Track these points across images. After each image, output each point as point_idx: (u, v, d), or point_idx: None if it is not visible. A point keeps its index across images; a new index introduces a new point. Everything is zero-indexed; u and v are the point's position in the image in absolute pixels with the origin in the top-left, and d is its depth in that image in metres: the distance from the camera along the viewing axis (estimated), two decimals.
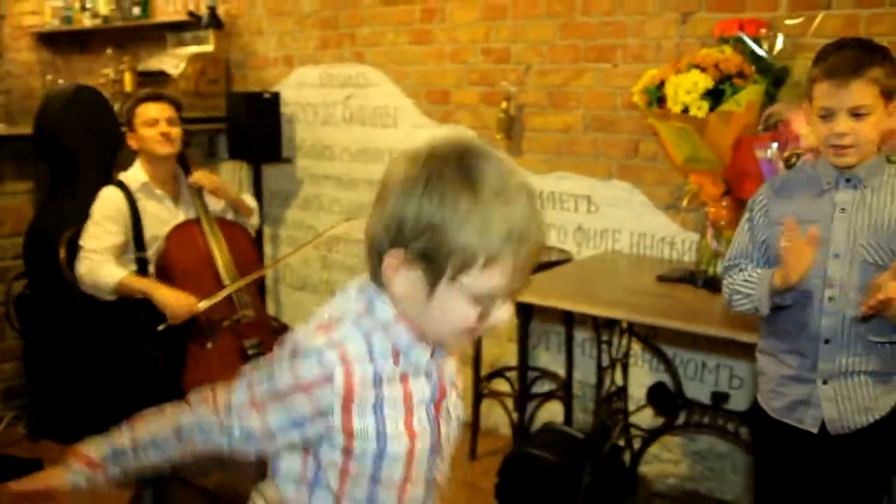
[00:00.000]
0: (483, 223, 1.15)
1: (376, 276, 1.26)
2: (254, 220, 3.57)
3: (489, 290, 1.20)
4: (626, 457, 3.39)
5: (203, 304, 3.09)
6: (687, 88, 2.77)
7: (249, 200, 3.57)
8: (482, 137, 3.87)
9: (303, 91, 4.68)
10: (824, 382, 2.08)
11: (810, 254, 1.97)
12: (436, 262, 1.18)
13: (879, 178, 2.06)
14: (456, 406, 1.41)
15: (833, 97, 1.97)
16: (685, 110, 2.78)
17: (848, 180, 2.06)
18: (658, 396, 3.35)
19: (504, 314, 1.24)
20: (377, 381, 1.27)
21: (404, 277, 1.22)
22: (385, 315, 1.27)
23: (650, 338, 3.43)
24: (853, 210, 2.05)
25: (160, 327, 3.02)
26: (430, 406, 1.34)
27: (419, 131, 4.17)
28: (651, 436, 3.35)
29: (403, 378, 1.30)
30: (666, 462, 3.57)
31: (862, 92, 1.95)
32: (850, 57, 1.96)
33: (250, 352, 3.10)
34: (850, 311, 2.03)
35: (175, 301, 3.04)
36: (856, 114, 1.96)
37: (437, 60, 4.06)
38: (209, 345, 3.15)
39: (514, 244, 1.17)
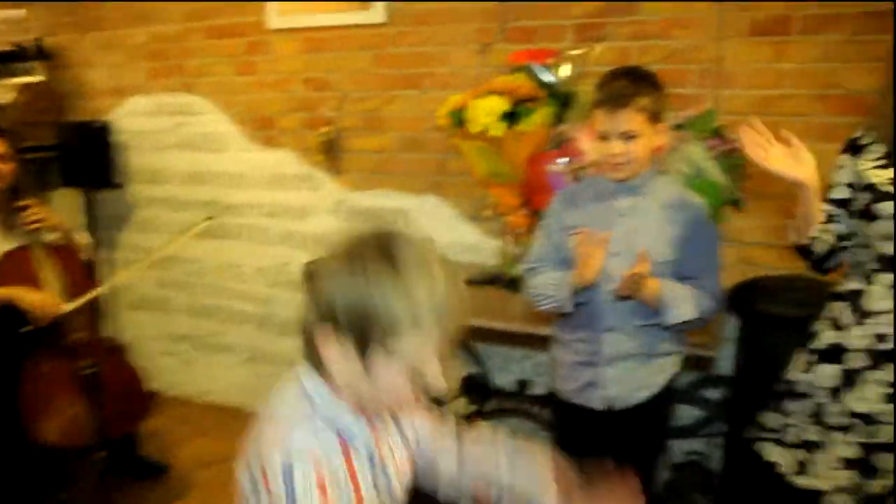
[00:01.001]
0: (405, 290, 1.14)
1: (312, 357, 1.24)
2: (84, 255, 3.31)
3: (418, 356, 1.17)
4: None
5: (68, 306, 2.87)
6: (486, 111, 2.79)
7: (81, 237, 3.31)
8: (304, 159, 3.79)
9: (135, 120, 4.42)
10: (608, 366, 2.13)
11: (600, 255, 2.01)
12: (363, 329, 1.15)
13: (650, 188, 2.13)
14: (396, 464, 1.40)
15: (608, 123, 2.02)
16: (485, 131, 2.80)
17: (626, 190, 2.12)
18: (470, 387, 3.37)
19: (439, 382, 1.21)
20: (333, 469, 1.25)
21: (337, 350, 1.19)
22: (325, 402, 1.25)
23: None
24: (630, 215, 2.11)
25: (24, 329, 2.79)
26: (368, 473, 1.33)
27: (246, 155, 4.05)
28: (465, 421, 3.32)
29: (347, 458, 1.29)
30: None
31: (631, 119, 2.00)
32: (621, 88, 2.01)
33: (83, 373, 2.86)
34: (631, 302, 2.09)
35: (42, 302, 2.82)
36: (628, 136, 2.02)
37: (262, 90, 3.94)
38: (43, 366, 2.91)
39: (437, 311, 1.15)
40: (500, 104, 2.79)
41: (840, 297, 1.99)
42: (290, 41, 3.81)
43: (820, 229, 1.92)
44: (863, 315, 1.89)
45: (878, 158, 1.91)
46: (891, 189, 1.84)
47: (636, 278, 1.96)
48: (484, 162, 2.94)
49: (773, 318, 2.62)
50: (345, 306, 1.16)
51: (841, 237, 1.97)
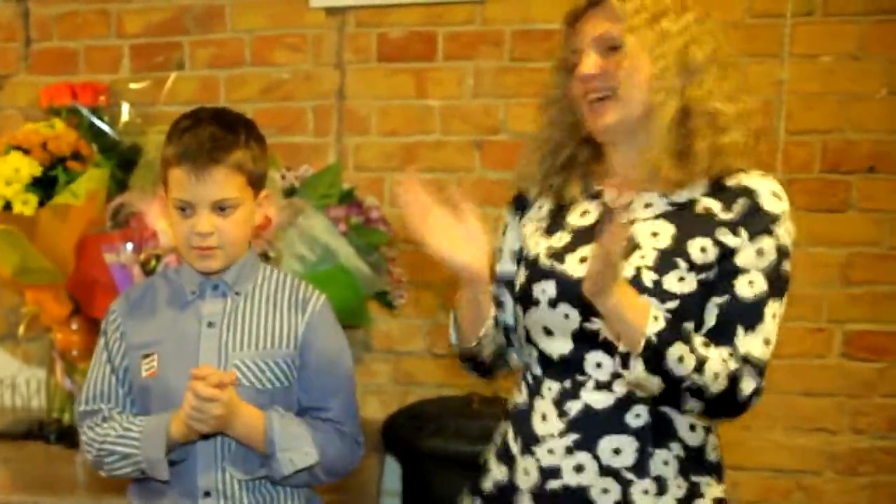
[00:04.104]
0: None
1: None
2: None
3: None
4: None
5: None
6: (7, 178, 2.69)
7: None
8: None
9: None
10: None
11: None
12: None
13: (251, 283, 2.07)
14: None
15: (190, 189, 1.93)
16: (7, 206, 2.69)
17: (215, 287, 2.05)
18: None
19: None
20: None
21: None
22: None
23: None
24: (223, 323, 2.04)
25: None
26: None
27: None
28: None
29: None
30: None
31: (224, 183, 1.93)
32: (206, 137, 1.94)
33: None
34: (232, 447, 2.01)
35: None
36: (219, 208, 1.96)
37: None
38: None
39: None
40: (27, 166, 2.70)
41: (507, 414, 2.03)
42: None
43: (490, 325, 1.97)
44: (528, 442, 1.95)
45: (542, 219, 2.00)
46: (549, 263, 1.90)
47: (210, 405, 1.89)
48: (10, 253, 2.79)
49: (448, 459, 2.65)
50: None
51: (508, 328, 2.03)
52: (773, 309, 1.74)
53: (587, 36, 1.80)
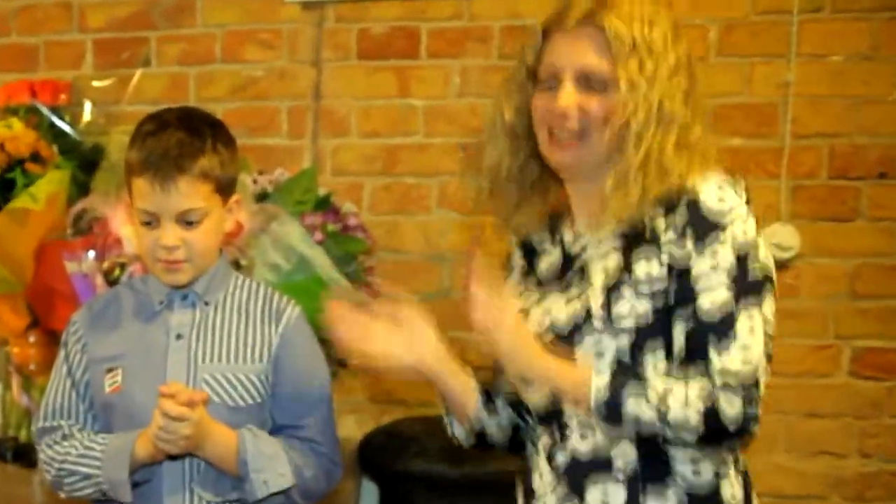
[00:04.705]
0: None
1: None
2: None
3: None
4: None
5: None
6: None
7: None
8: None
9: None
10: None
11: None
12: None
13: (222, 293, 2.08)
14: None
15: (155, 199, 1.94)
16: None
17: (185, 297, 2.06)
18: None
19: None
20: None
21: None
22: None
23: None
24: (192, 335, 2.05)
25: None
26: None
27: None
28: None
29: None
30: None
31: (191, 193, 1.94)
32: (171, 144, 1.94)
33: None
34: (202, 467, 2.02)
35: None
36: (186, 219, 1.96)
37: None
38: None
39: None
40: None
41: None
42: None
43: (475, 406, 1.96)
44: (528, 497, 1.95)
45: (521, 273, 1.98)
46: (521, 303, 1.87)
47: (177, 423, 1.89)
48: None
49: (431, 482, 2.67)
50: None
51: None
52: (749, 313, 1.65)
53: (569, 62, 1.75)
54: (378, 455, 2.82)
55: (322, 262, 2.59)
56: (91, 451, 2.02)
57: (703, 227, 1.67)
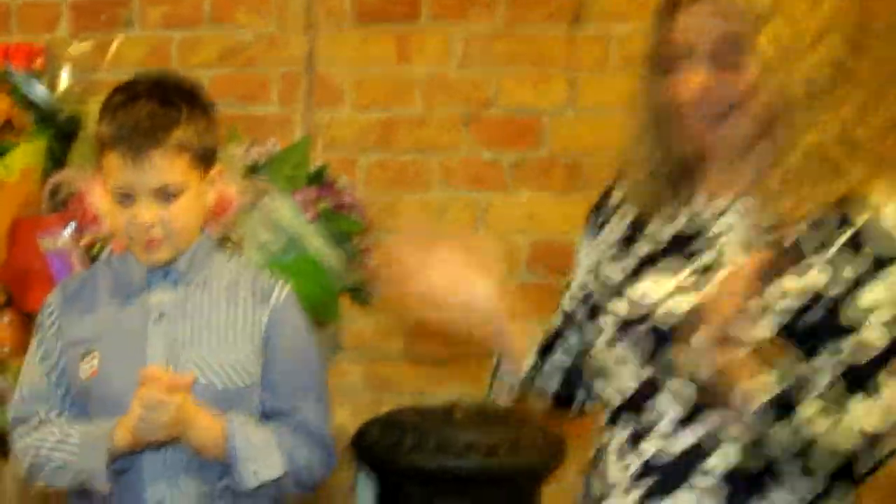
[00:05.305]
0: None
1: None
2: None
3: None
4: None
5: None
6: None
7: None
8: None
9: None
10: None
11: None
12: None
13: (206, 271, 2.08)
14: None
15: (128, 175, 1.95)
16: None
17: (166, 276, 2.07)
18: None
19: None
20: None
21: None
22: None
23: None
24: (174, 315, 2.06)
25: None
26: None
27: None
28: None
29: None
30: None
31: (166, 167, 1.95)
32: (143, 115, 1.95)
33: None
34: (187, 456, 2.03)
35: None
36: (164, 194, 1.96)
37: None
38: None
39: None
40: None
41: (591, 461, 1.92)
42: None
43: (530, 363, 1.94)
44: (599, 495, 1.82)
45: (622, 231, 1.90)
46: (622, 287, 1.76)
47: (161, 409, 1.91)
48: None
49: (429, 475, 2.68)
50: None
51: (579, 354, 1.91)
52: None
53: (696, 36, 1.64)
54: (375, 447, 2.83)
55: (314, 241, 2.61)
56: (68, 440, 2.04)
57: (886, 251, 1.56)
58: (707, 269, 1.65)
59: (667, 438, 1.67)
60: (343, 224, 2.70)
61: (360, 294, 2.77)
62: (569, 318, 1.91)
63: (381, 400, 3.03)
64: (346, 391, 2.68)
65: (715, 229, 1.71)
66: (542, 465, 2.79)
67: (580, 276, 1.94)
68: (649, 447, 1.70)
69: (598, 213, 1.94)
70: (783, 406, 1.50)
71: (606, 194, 1.93)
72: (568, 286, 1.95)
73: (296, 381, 2.12)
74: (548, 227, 3.01)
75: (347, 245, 2.69)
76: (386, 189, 3.11)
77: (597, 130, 2.98)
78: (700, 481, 1.65)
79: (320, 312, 2.47)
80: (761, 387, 1.51)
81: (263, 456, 2.02)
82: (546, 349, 1.92)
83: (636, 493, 1.69)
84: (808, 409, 1.50)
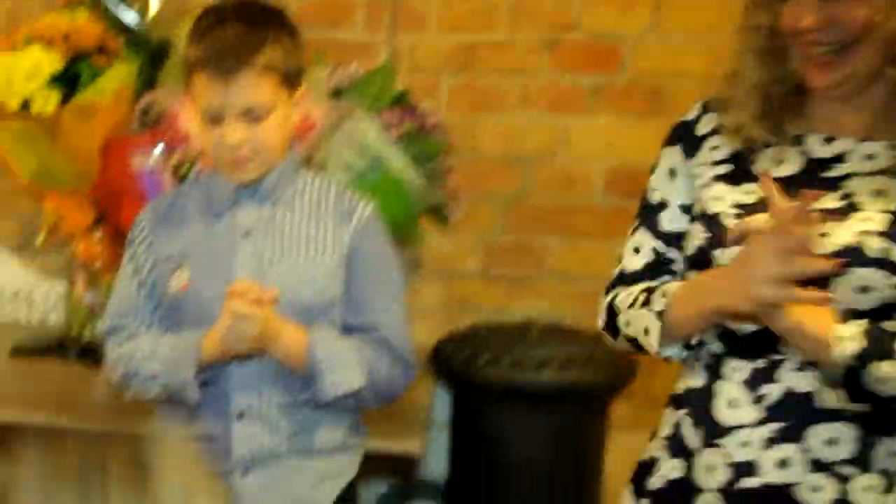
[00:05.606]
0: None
1: None
2: None
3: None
4: None
5: None
6: (27, 72, 2.70)
7: None
8: None
9: None
10: (245, 475, 2.10)
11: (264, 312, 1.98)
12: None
13: (291, 190, 2.11)
14: None
15: (216, 94, 1.96)
16: (26, 105, 2.70)
17: (253, 196, 2.09)
18: None
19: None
20: None
21: None
22: None
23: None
24: (260, 233, 2.11)
25: None
26: None
27: None
28: None
29: None
30: None
31: (253, 87, 1.97)
32: (231, 37, 1.96)
33: None
34: (271, 367, 2.07)
35: None
36: (251, 115, 2.00)
37: None
38: None
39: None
40: (48, 60, 2.72)
41: (677, 400, 1.88)
42: None
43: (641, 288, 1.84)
44: (711, 433, 1.78)
45: (720, 163, 1.81)
46: (738, 224, 1.67)
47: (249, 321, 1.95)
48: (27, 155, 2.85)
49: (503, 390, 2.72)
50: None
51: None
52: None
53: None
54: (451, 362, 2.85)
55: (398, 162, 2.61)
56: (157, 351, 2.09)
57: None
58: (832, 212, 1.58)
59: (795, 375, 1.66)
60: (425, 145, 2.69)
61: (440, 214, 2.77)
62: (671, 239, 1.85)
63: (458, 318, 3.03)
64: (425, 309, 2.68)
65: (834, 173, 1.66)
66: (613, 382, 2.81)
67: (675, 217, 1.86)
68: (776, 386, 1.68)
69: (685, 134, 1.88)
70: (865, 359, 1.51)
71: (696, 120, 1.87)
72: (662, 205, 1.87)
73: (377, 297, 2.14)
74: (626, 153, 3.00)
75: (428, 166, 2.69)
76: (467, 112, 3.10)
77: (678, 56, 2.96)
78: (836, 417, 1.62)
79: (401, 231, 2.47)
80: (848, 336, 1.52)
81: (344, 368, 2.05)
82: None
83: (773, 426, 1.67)
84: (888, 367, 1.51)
